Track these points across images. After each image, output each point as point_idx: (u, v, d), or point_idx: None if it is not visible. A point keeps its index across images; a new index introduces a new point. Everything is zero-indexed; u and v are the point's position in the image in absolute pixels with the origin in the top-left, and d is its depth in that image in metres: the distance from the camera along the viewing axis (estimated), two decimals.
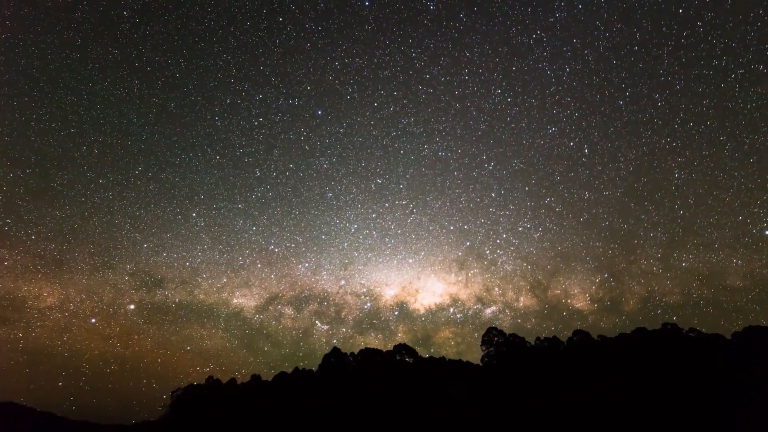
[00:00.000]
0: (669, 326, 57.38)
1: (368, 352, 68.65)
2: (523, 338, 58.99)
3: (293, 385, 66.98)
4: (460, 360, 62.50)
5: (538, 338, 59.42)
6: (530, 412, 45.21)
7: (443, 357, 63.29)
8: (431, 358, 63.08)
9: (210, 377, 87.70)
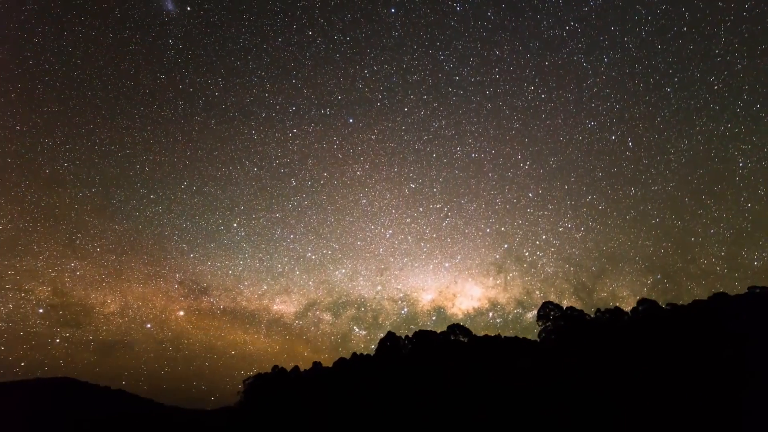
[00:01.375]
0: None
1: (422, 334, 69.25)
2: (581, 311, 56.32)
3: (352, 369, 69.47)
4: (516, 337, 61.17)
5: (598, 310, 56.41)
6: (594, 388, 43.30)
7: (498, 335, 62.26)
8: (486, 336, 62.29)
9: (275, 366, 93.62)
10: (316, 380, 73.70)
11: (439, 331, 67.30)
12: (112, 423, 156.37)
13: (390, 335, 72.40)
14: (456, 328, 65.93)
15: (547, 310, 56.87)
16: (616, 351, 48.06)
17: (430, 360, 57.62)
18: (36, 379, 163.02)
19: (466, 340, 62.74)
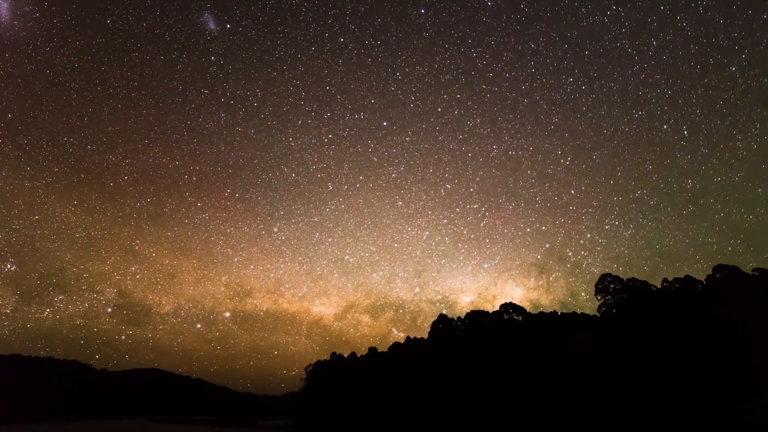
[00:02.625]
0: None
1: (475, 315, 68.38)
2: (645, 281, 52.16)
3: (406, 352, 70.60)
4: (574, 313, 58.40)
5: (665, 280, 51.92)
6: (662, 362, 40.35)
7: (554, 311, 59.86)
8: (542, 313, 60.21)
9: (333, 353, 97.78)
10: (373, 364, 75.88)
11: (491, 311, 66.14)
12: (202, 405, 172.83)
13: (442, 317, 72.38)
14: (509, 307, 64.25)
15: (605, 282, 53.36)
16: (688, 324, 44.21)
17: (484, 340, 56.91)
18: (132, 370, 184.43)
19: (520, 318, 61.02)
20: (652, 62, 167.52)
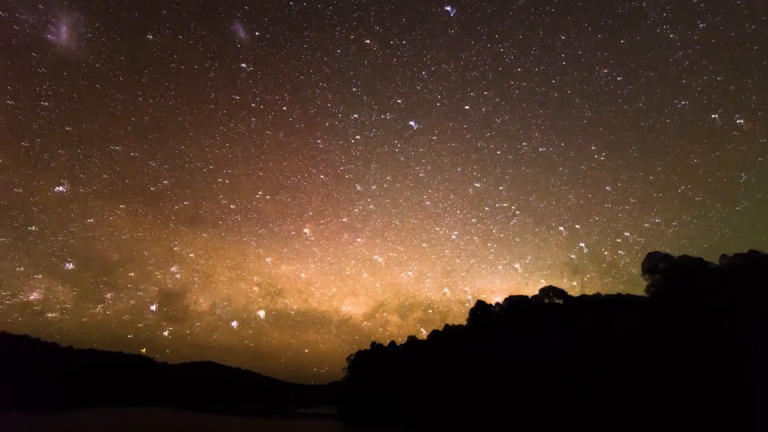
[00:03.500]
0: None
1: (514, 300, 66.87)
2: (699, 258, 48.43)
3: (445, 339, 70.44)
4: (619, 294, 55.52)
5: (723, 256, 47.93)
6: (722, 346, 37.52)
7: (598, 293, 57.22)
8: (584, 296, 57.78)
9: (373, 342, 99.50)
10: (412, 352, 76.42)
11: (531, 296, 64.37)
12: (254, 393, 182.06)
13: (480, 303, 71.43)
14: (550, 290, 62.23)
15: (654, 261, 50.08)
16: (753, 303, 40.67)
17: (524, 325, 55.58)
18: (189, 363, 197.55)
19: (561, 301, 58.96)
20: (698, 47, 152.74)
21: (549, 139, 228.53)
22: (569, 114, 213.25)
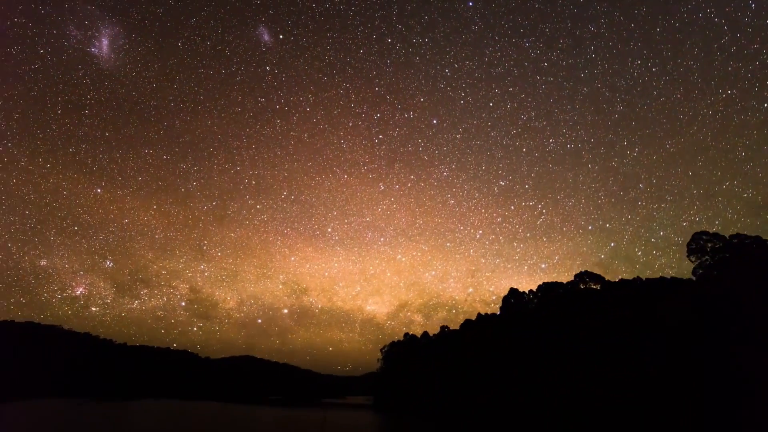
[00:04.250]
0: None
1: (548, 287, 64.81)
2: (757, 237, 44.55)
3: (478, 328, 69.46)
4: (663, 278, 52.40)
5: None
6: None
7: (638, 277, 54.31)
8: (623, 280, 54.96)
9: (406, 333, 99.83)
10: (444, 341, 75.98)
11: (565, 281, 62.11)
12: (293, 385, 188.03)
13: (513, 291, 69.79)
14: (585, 275, 59.70)
15: (700, 242, 46.64)
16: None
17: (559, 311, 53.74)
18: (229, 357, 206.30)
19: (598, 287, 56.43)
20: (749, 30, 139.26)
21: (578, 135, 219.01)
22: (599, 109, 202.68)
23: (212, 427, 36.07)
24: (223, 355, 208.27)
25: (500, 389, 53.19)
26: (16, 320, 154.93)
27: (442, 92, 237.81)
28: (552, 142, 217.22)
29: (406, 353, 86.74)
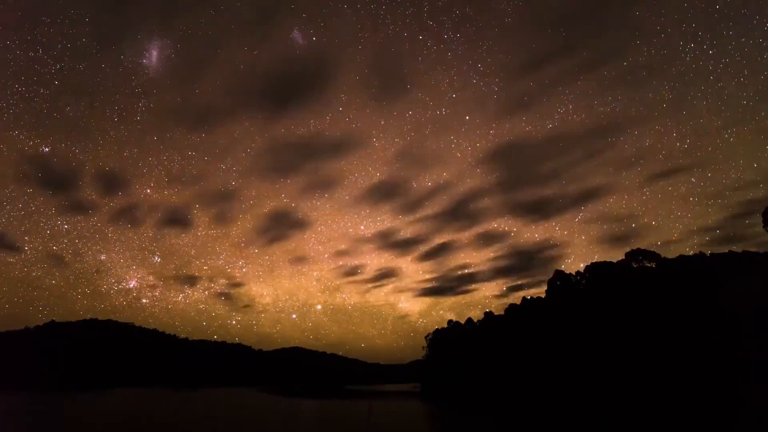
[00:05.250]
0: None
1: (596, 267, 61.29)
2: None
3: (523, 313, 67.41)
4: (730, 251, 47.79)
5: None
6: None
7: (700, 253, 49.91)
8: (682, 257, 50.77)
9: (450, 320, 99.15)
10: (488, 327, 74.56)
11: (616, 261, 58.40)
12: (341, 374, 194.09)
13: (558, 273, 66.79)
14: (638, 254, 55.72)
15: None
16: None
17: (610, 293, 50.68)
18: (281, 349, 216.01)
19: (654, 265, 52.44)
20: None
21: None
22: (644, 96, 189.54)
23: (266, 416, 38.03)
24: (267, 348, 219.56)
25: (546, 375, 51.40)
26: (99, 318, 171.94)
27: (475, 88, 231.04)
28: None
29: (451, 340, 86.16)
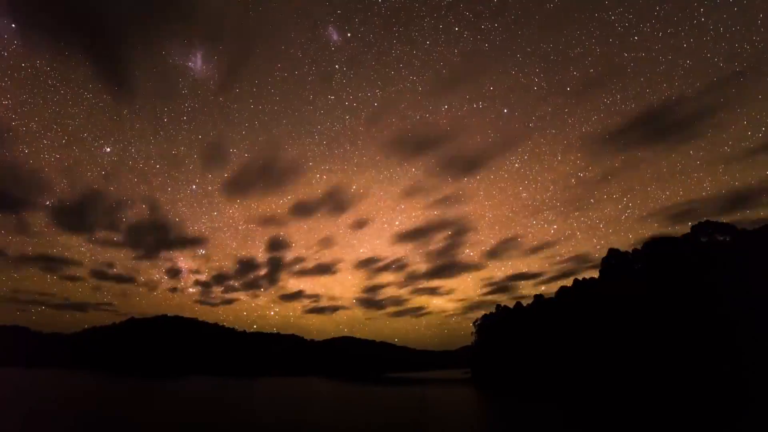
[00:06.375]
0: None
1: (656, 243, 56.66)
2: None
3: (574, 295, 64.16)
4: None
5: None
6: None
7: None
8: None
9: (498, 304, 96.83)
10: (538, 311, 71.88)
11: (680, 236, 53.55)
12: (391, 362, 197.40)
13: (612, 251, 62.65)
14: (708, 227, 50.65)
15: None
16: None
17: (675, 273, 46.60)
18: (331, 339, 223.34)
19: (727, 238, 47.40)
20: None
21: None
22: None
23: (323, 403, 39.43)
24: (323, 338, 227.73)
25: (601, 359, 48.55)
26: (168, 314, 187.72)
27: (514, 79, 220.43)
28: None
29: (501, 325, 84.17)
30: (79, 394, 43.18)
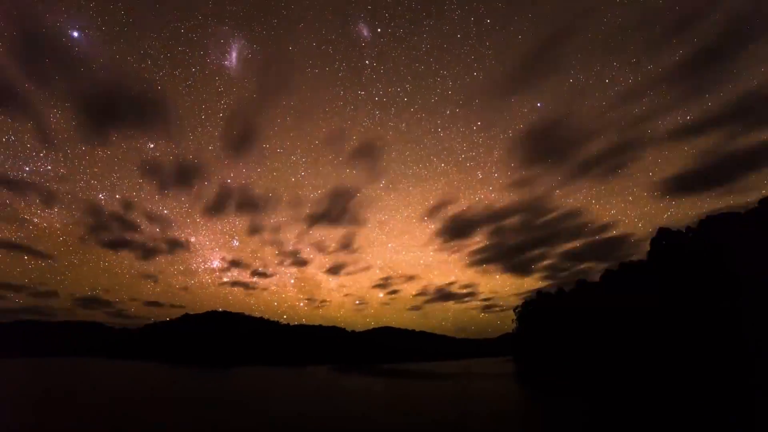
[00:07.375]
0: None
1: (715, 219, 52.20)
2: None
3: (620, 279, 60.91)
4: None
5: None
6: None
7: None
8: None
9: (539, 291, 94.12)
10: (582, 296, 69.03)
11: (744, 211, 48.99)
12: (431, 350, 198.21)
13: (662, 230, 58.53)
14: None
15: None
16: None
17: (738, 249, 42.87)
18: (372, 329, 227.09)
19: None
20: None
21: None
22: None
23: (382, 384, 40.44)
24: (363, 328, 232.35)
25: (651, 345, 45.78)
26: (216, 310, 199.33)
27: (544, 74, 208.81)
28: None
29: (541, 311, 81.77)
30: (171, 383, 47.88)
